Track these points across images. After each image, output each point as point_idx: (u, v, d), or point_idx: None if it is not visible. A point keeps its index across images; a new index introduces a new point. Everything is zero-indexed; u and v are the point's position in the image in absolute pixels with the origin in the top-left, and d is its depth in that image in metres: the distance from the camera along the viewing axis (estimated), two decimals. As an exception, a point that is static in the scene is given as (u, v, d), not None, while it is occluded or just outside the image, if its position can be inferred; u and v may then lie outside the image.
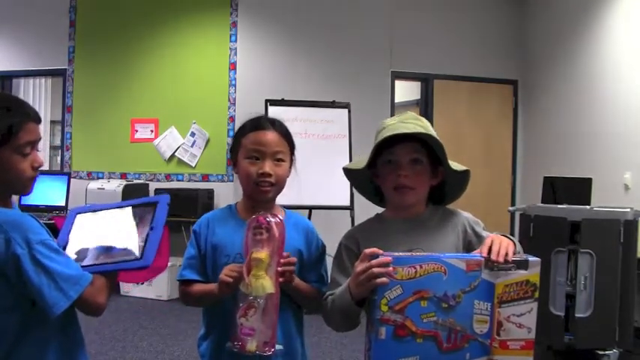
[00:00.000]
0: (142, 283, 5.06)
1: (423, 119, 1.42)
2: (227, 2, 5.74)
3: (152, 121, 5.68)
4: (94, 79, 5.73)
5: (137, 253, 1.33)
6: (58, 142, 6.89)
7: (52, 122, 7.62)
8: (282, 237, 1.31)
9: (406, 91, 6.61)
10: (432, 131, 1.37)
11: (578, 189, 4.10)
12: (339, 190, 4.52)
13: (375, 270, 1.16)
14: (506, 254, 1.20)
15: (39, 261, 1.21)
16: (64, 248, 1.38)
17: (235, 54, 5.71)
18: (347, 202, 4.67)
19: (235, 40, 5.73)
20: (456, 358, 1.18)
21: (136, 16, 5.73)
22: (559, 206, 3.40)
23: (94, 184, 5.21)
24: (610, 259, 3.13)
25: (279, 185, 1.48)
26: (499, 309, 1.20)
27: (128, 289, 5.18)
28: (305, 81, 5.66)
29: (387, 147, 1.37)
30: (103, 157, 5.71)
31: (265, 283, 1.28)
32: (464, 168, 1.41)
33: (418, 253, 1.23)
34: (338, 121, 4.97)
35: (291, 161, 1.53)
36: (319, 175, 4.37)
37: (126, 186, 5.13)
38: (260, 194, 1.47)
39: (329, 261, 1.47)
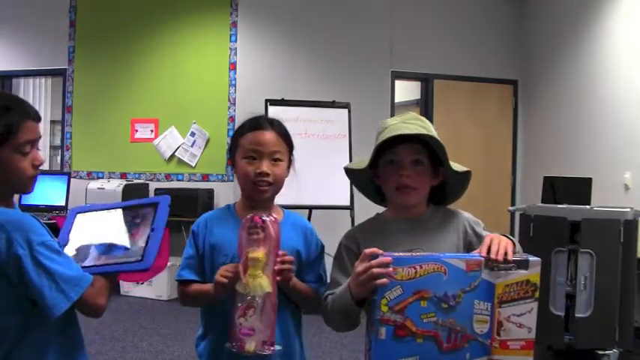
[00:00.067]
0: (142, 283, 5.06)
1: (425, 120, 1.42)
2: (227, 2, 5.74)
3: (152, 121, 5.68)
4: (94, 79, 5.73)
5: (138, 254, 1.33)
6: (58, 142, 6.89)
7: (52, 122, 7.61)
8: (277, 236, 1.31)
9: (406, 91, 6.61)
10: (433, 132, 1.37)
11: (578, 189, 4.10)
12: (339, 190, 4.53)
13: (375, 270, 1.16)
14: (506, 253, 1.20)
15: (40, 262, 1.21)
16: (64, 248, 1.38)
17: (235, 54, 5.71)
18: (347, 202, 4.67)
19: (235, 40, 5.73)
20: (456, 358, 1.18)
21: (136, 16, 5.73)
22: (559, 206, 3.40)
23: (94, 184, 5.21)
24: (610, 259, 3.13)
25: (276, 185, 1.48)
26: (499, 309, 1.20)
27: (128, 289, 5.18)
28: (305, 81, 5.66)
29: (389, 147, 1.37)
30: (103, 157, 5.71)
31: (263, 283, 1.28)
32: (465, 169, 1.41)
33: (418, 254, 1.23)
34: (338, 121, 4.97)
35: (290, 161, 1.53)
36: (319, 175, 4.37)
37: (126, 186, 5.13)
38: (258, 194, 1.47)
39: (329, 261, 1.47)
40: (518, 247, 1.29)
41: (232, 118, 5.64)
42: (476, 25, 6.00)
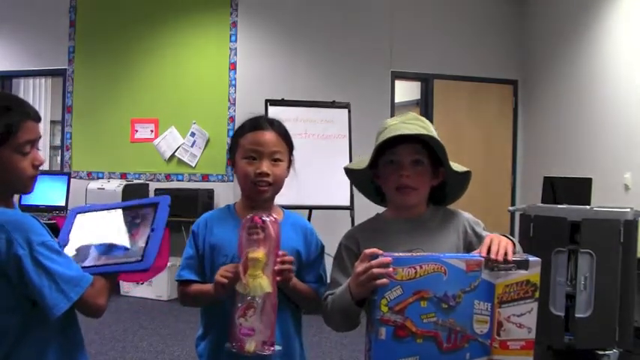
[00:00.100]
0: (142, 283, 5.07)
1: (425, 120, 1.42)
2: (227, 2, 5.74)
3: (152, 121, 5.68)
4: (94, 79, 5.73)
5: (138, 254, 1.33)
6: (58, 142, 6.89)
7: (52, 122, 7.61)
8: (277, 236, 1.31)
9: (406, 91, 6.61)
10: (433, 132, 1.37)
11: (578, 189, 4.10)
12: (339, 190, 4.52)
13: (375, 271, 1.16)
14: (506, 253, 1.20)
15: (40, 262, 1.21)
16: (64, 247, 1.38)
17: (235, 54, 5.71)
18: (347, 202, 4.67)
19: (235, 40, 5.73)
20: (456, 358, 1.18)
21: (136, 16, 5.73)
22: (559, 206, 3.40)
23: (94, 184, 5.21)
24: (610, 259, 3.13)
25: (276, 185, 1.48)
26: (499, 309, 1.20)
27: (128, 289, 5.18)
28: (305, 81, 5.66)
29: (389, 147, 1.37)
30: (103, 157, 5.71)
31: (263, 283, 1.28)
32: (465, 169, 1.41)
33: (418, 254, 1.23)
34: (338, 121, 4.97)
35: (290, 161, 1.53)
36: (319, 175, 4.37)
37: (126, 186, 5.13)
38: (257, 194, 1.47)
39: (329, 261, 1.47)
40: (518, 247, 1.29)
41: (232, 118, 5.64)
42: (476, 25, 6.00)
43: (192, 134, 5.65)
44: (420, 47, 5.85)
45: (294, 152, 1.55)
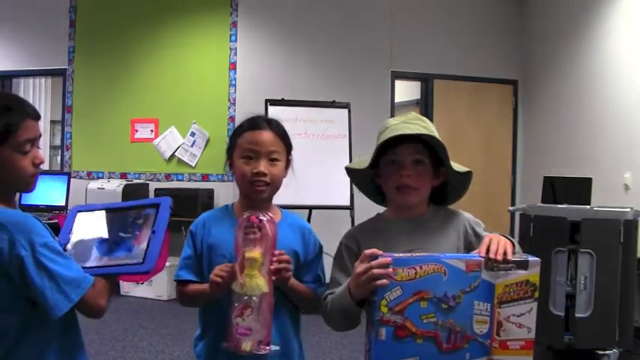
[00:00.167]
0: (142, 283, 5.07)
1: (426, 120, 1.42)
2: (227, 2, 5.74)
3: (152, 121, 5.68)
4: (94, 79, 5.73)
5: (139, 256, 1.33)
6: (58, 142, 6.89)
7: (52, 122, 7.61)
8: (274, 235, 1.31)
9: (406, 91, 6.61)
10: (434, 132, 1.37)
11: (578, 189, 4.10)
12: (339, 190, 4.53)
13: (375, 271, 1.16)
14: (505, 253, 1.20)
15: (42, 263, 1.22)
16: (65, 247, 1.38)
17: (235, 54, 5.71)
18: (347, 202, 4.67)
19: (235, 40, 5.73)
20: (456, 358, 1.18)
21: (136, 16, 5.73)
22: (559, 206, 3.40)
23: (94, 184, 5.21)
24: (610, 259, 3.13)
25: (274, 185, 1.48)
26: (499, 309, 1.20)
27: (128, 289, 5.18)
28: (305, 81, 5.66)
29: (390, 147, 1.37)
30: (103, 157, 5.71)
31: (259, 282, 1.28)
32: (466, 169, 1.41)
33: (418, 254, 1.23)
34: (338, 121, 4.96)
35: (288, 161, 1.53)
36: (319, 175, 4.37)
37: (126, 186, 5.14)
38: (255, 194, 1.47)
39: (328, 261, 1.47)
40: (517, 247, 1.29)
41: (232, 118, 5.64)
42: (476, 25, 6.00)
43: (192, 134, 5.66)
44: (420, 47, 5.85)
45: (293, 152, 1.55)
